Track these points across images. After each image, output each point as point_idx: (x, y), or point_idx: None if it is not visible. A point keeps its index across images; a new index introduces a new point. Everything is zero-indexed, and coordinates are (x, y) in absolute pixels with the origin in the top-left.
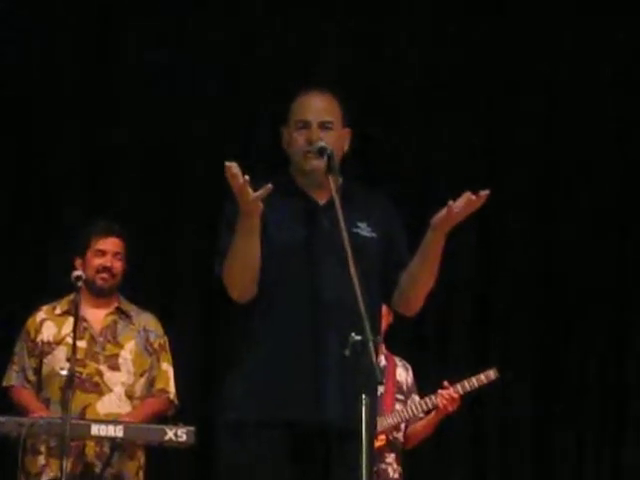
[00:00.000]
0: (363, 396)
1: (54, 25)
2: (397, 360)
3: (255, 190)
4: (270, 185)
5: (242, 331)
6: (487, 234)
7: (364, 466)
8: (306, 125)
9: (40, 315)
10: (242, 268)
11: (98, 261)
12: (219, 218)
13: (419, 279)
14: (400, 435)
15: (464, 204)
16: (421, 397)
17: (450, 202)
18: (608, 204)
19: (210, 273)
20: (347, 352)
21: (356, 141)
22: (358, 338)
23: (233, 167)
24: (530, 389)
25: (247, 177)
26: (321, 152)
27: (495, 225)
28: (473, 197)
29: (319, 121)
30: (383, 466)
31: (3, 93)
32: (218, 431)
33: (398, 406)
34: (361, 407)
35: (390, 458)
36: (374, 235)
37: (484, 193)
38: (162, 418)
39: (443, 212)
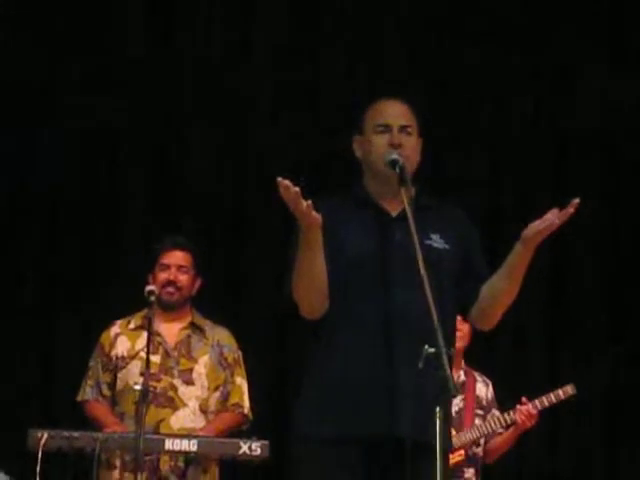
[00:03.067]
0: (437, 409)
1: None
2: (477, 375)
3: (318, 207)
4: (310, 202)
5: (315, 345)
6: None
7: (439, 479)
8: (387, 129)
9: (114, 330)
10: (308, 283)
11: (163, 275)
12: (290, 239)
13: (503, 293)
14: (479, 450)
15: (556, 216)
16: (501, 412)
17: (547, 215)
18: None
19: (280, 288)
20: (420, 365)
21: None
22: (432, 350)
23: (284, 182)
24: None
25: (297, 188)
26: (393, 164)
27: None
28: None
29: (400, 125)
30: None
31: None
32: (292, 445)
33: (477, 421)
34: (435, 420)
35: (469, 473)
36: (447, 247)
37: (575, 202)
38: (236, 432)
39: (537, 224)
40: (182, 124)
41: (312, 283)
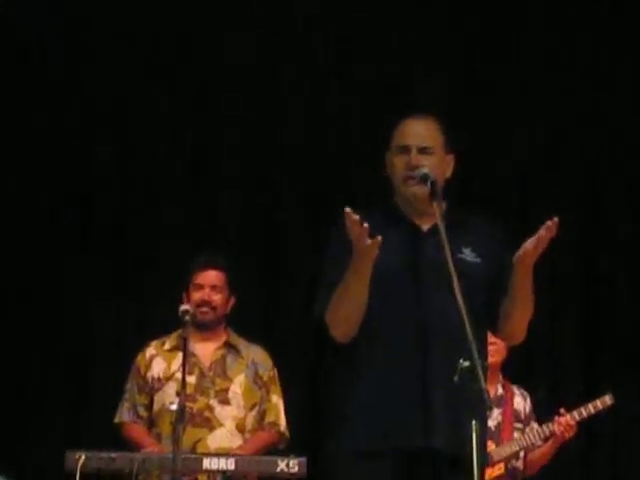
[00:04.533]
0: (473, 422)
1: None
2: (515, 389)
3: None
4: (380, 237)
5: (349, 359)
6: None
7: None
8: (406, 150)
9: (149, 351)
10: (350, 310)
11: (197, 295)
12: (324, 253)
13: (516, 312)
14: (519, 463)
15: (537, 240)
16: (539, 425)
17: (540, 231)
18: None
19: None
20: (456, 378)
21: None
22: (466, 364)
23: (352, 214)
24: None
25: (366, 225)
26: (424, 179)
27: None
28: (543, 232)
29: (419, 146)
30: None
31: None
32: (329, 461)
33: (516, 434)
34: (471, 433)
35: None
36: (479, 261)
37: (554, 222)
38: (274, 450)
39: (527, 244)
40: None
41: (354, 311)
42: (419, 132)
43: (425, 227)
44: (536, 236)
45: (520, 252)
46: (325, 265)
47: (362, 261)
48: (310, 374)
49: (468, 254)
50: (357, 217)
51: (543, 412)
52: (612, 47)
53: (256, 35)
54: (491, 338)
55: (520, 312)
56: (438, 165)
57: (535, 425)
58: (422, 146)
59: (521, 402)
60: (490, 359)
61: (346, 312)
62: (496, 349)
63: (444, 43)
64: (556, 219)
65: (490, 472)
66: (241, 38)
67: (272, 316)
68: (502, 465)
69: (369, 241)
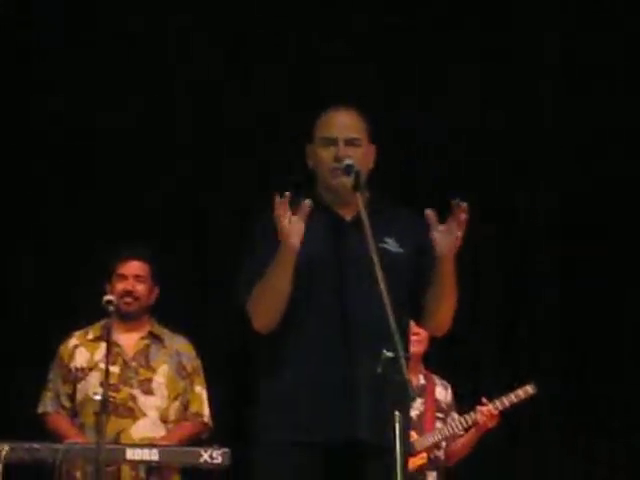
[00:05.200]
0: (396, 413)
1: None
2: (436, 379)
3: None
4: (308, 201)
5: (274, 350)
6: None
7: None
8: (332, 142)
9: (72, 341)
10: (272, 300)
11: (120, 285)
12: (245, 244)
13: (440, 303)
14: (441, 453)
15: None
16: (460, 414)
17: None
18: None
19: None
20: (379, 369)
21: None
22: (390, 355)
23: (280, 202)
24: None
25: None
26: (348, 170)
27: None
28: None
29: (346, 138)
30: None
31: None
32: (253, 452)
33: (438, 424)
34: (394, 424)
35: (432, 477)
36: (401, 250)
37: (460, 206)
38: (197, 441)
39: (437, 242)
40: None
41: (276, 301)
42: (345, 123)
43: (348, 217)
44: (445, 225)
45: (437, 245)
46: (248, 257)
47: (287, 249)
48: (235, 364)
49: (391, 244)
50: (286, 206)
51: (465, 402)
52: None
53: None
54: (414, 328)
55: (445, 303)
56: (364, 156)
57: (456, 415)
58: (349, 138)
59: (442, 392)
60: (412, 349)
61: (270, 302)
62: (418, 339)
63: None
64: (462, 203)
65: (413, 462)
66: None
67: (197, 306)
68: (425, 455)
69: (295, 218)
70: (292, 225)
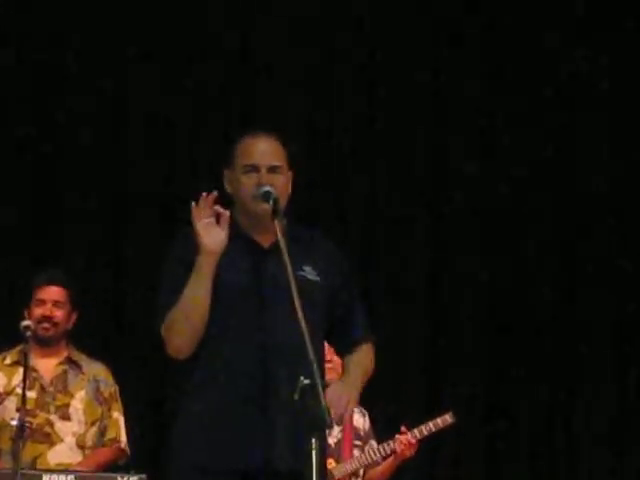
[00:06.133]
0: (313, 440)
1: None
2: None
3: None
4: (227, 212)
5: (191, 376)
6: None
7: None
8: (255, 169)
9: None
10: (191, 314)
11: (39, 311)
12: (162, 272)
13: None
14: None
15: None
16: (378, 442)
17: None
18: None
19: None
20: (296, 396)
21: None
22: (307, 382)
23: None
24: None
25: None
26: (266, 197)
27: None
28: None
29: (268, 165)
30: None
31: None
32: (168, 478)
33: (356, 452)
34: (311, 451)
35: None
36: (318, 279)
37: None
38: (114, 467)
39: None
40: None
41: (193, 316)
42: (267, 150)
43: (266, 244)
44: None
45: None
46: (166, 276)
47: (207, 253)
48: (153, 390)
49: (309, 272)
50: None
51: (384, 429)
52: None
53: None
54: (327, 356)
55: None
56: (285, 184)
57: (374, 443)
58: (271, 165)
59: (360, 419)
60: (327, 376)
61: (184, 319)
62: (332, 367)
63: None
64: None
65: None
66: None
67: (115, 331)
68: None
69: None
70: (210, 227)
